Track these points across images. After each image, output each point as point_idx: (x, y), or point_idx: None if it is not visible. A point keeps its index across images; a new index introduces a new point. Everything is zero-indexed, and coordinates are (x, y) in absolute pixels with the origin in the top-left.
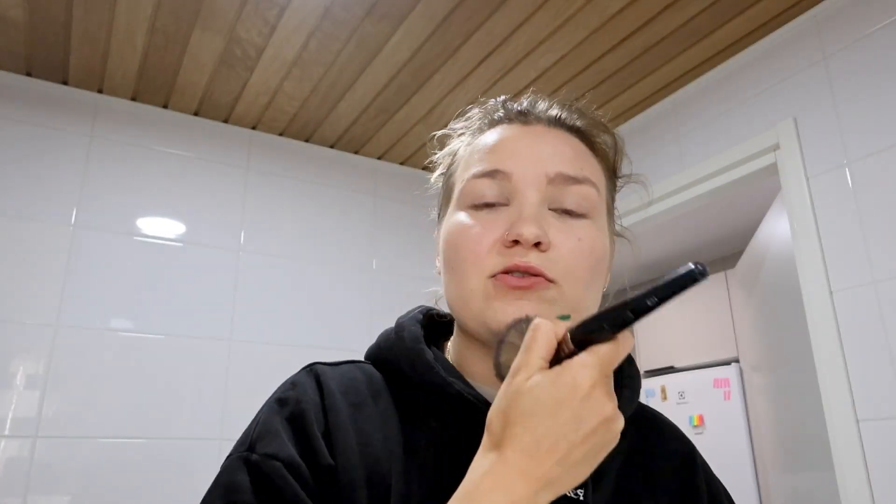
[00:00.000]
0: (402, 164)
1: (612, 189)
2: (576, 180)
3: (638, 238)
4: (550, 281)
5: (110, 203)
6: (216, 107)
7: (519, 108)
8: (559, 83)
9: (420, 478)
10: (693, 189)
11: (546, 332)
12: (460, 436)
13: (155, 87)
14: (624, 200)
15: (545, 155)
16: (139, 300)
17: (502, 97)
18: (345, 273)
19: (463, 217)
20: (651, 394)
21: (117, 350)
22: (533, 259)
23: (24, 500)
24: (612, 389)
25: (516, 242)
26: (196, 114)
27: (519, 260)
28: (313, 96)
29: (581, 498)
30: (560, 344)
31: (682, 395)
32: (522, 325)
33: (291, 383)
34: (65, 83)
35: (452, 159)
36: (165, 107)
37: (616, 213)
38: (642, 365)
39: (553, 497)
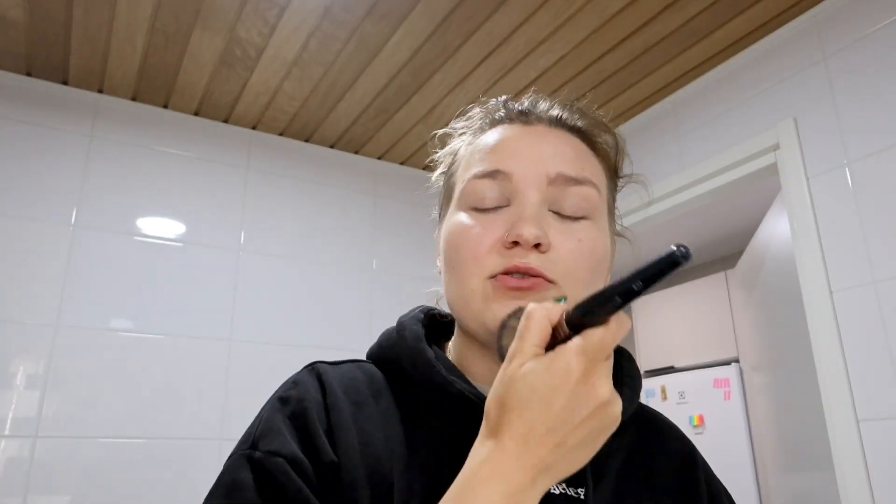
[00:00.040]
0: (402, 164)
1: (614, 189)
2: (577, 181)
3: (638, 238)
4: (550, 282)
5: (110, 203)
6: (216, 107)
7: (520, 108)
8: (559, 83)
9: (422, 476)
10: (693, 189)
11: (539, 319)
12: (461, 434)
13: (155, 87)
14: (624, 200)
15: (546, 155)
16: (139, 300)
17: (503, 97)
18: (345, 273)
19: (463, 217)
20: (651, 394)
21: (117, 350)
22: (532, 260)
23: (24, 500)
24: (609, 373)
25: (516, 243)
26: (196, 114)
27: (518, 261)
28: (313, 96)
29: (582, 497)
30: (556, 328)
31: (682, 395)
32: (522, 311)
33: (293, 382)
34: (65, 83)
35: (453, 159)
36: (165, 107)
37: (617, 212)
38: (642, 365)
39: (552, 482)
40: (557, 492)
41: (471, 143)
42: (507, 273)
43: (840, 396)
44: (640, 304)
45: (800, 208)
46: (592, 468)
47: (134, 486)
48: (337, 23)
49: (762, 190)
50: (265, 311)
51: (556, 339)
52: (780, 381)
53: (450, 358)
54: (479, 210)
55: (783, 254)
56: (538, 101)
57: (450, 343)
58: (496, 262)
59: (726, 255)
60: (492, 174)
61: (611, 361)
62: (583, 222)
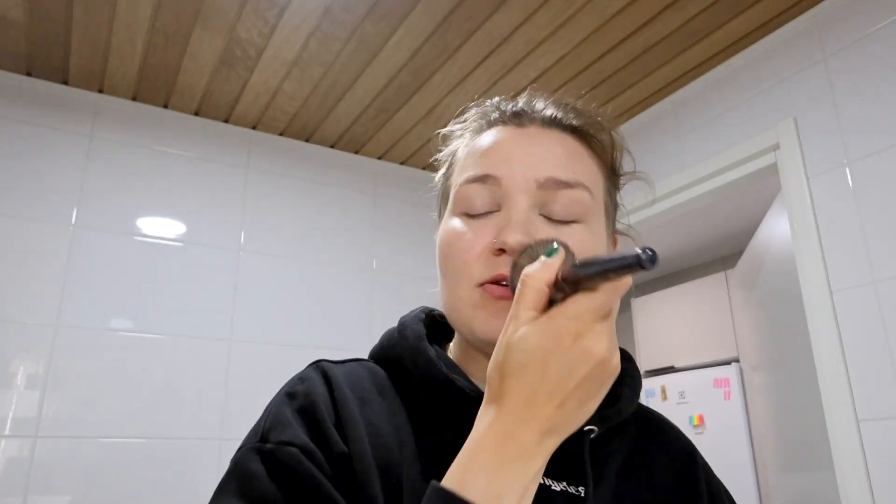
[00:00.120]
0: (402, 164)
1: (613, 188)
2: (567, 185)
3: (640, 237)
4: None
5: (110, 203)
6: (216, 107)
7: (514, 110)
8: (559, 83)
9: (430, 468)
10: (693, 189)
11: (534, 283)
12: (464, 430)
13: (155, 87)
14: (628, 198)
15: (536, 159)
16: (139, 300)
17: (497, 98)
18: (345, 273)
19: (455, 223)
20: (651, 394)
21: (117, 350)
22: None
23: (24, 500)
24: (608, 331)
25: (503, 250)
26: (196, 114)
27: (504, 270)
28: (313, 96)
29: (582, 495)
30: (554, 287)
31: (682, 395)
32: (533, 249)
33: (299, 378)
34: (65, 83)
35: (451, 160)
36: (165, 107)
37: (622, 209)
38: (642, 365)
39: (559, 440)
40: (558, 489)
41: (468, 145)
42: (493, 282)
43: (840, 396)
44: (641, 305)
45: (800, 208)
46: (593, 467)
47: (134, 486)
48: (337, 23)
49: (762, 190)
50: (265, 311)
51: (554, 299)
52: (780, 381)
53: (450, 357)
54: (470, 215)
55: (783, 254)
56: (533, 101)
57: (451, 343)
58: (484, 270)
59: (726, 255)
60: (482, 178)
61: (609, 322)
62: (574, 226)
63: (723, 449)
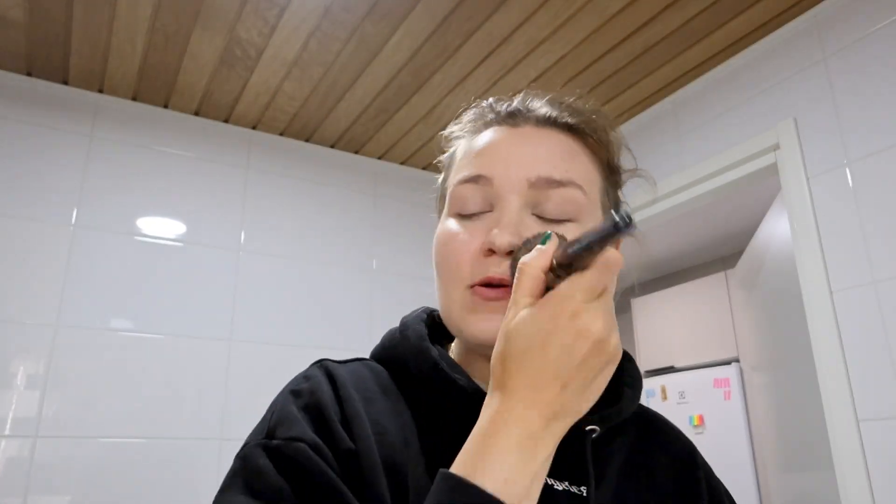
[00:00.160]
0: (402, 164)
1: (612, 186)
2: (559, 183)
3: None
4: None
5: (110, 203)
6: (216, 107)
7: (509, 110)
8: (559, 83)
9: (434, 466)
10: (693, 189)
11: (530, 270)
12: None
13: (155, 87)
14: (629, 197)
15: (528, 158)
16: (139, 300)
17: (492, 98)
18: (345, 273)
19: (450, 224)
20: (651, 394)
21: (117, 350)
22: (507, 269)
23: (24, 500)
24: (605, 310)
25: (493, 251)
26: (196, 114)
27: (493, 271)
28: (313, 96)
29: (584, 494)
30: (550, 273)
31: (682, 395)
32: (531, 242)
33: (304, 377)
34: (65, 83)
35: (450, 162)
36: (165, 107)
37: (626, 208)
38: (642, 365)
39: (567, 425)
40: (560, 488)
41: (464, 146)
42: (483, 284)
43: (840, 396)
44: (641, 304)
45: (800, 208)
46: (594, 467)
47: (134, 486)
48: (337, 23)
49: (762, 190)
50: (265, 311)
51: (552, 284)
52: (780, 381)
53: (452, 357)
54: (463, 216)
55: (783, 254)
56: (528, 101)
57: (453, 344)
58: (475, 271)
59: (726, 255)
60: (474, 179)
61: (605, 301)
62: (567, 225)
63: (723, 449)
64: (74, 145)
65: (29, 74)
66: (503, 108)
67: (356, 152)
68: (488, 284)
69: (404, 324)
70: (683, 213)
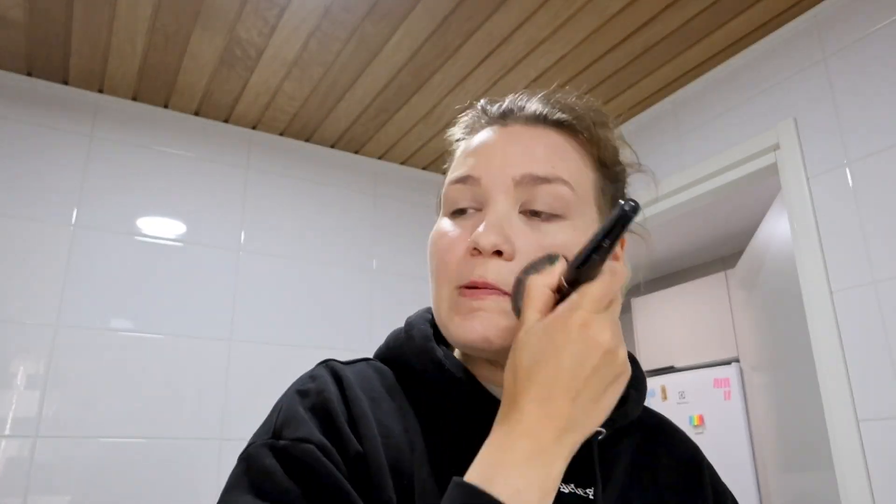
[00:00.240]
0: (402, 164)
1: (607, 181)
2: (545, 180)
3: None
4: (508, 294)
5: (110, 203)
6: (216, 107)
7: (500, 110)
8: (559, 83)
9: (440, 469)
10: (693, 189)
11: (537, 287)
12: (473, 430)
13: (155, 87)
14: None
15: (514, 157)
16: (139, 300)
17: (484, 99)
18: (345, 273)
19: (443, 224)
20: (651, 394)
21: (117, 350)
22: (490, 270)
23: (24, 500)
24: (611, 322)
25: (479, 251)
26: (196, 114)
27: (477, 275)
28: (313, 96)
29: (591, 497)
30: (557, 290)
31: (682, 395)
32: (537, 264)
33: (310, 377)
34: (65, 83)
35: (449, 164)
36: (165, 107)
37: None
38: (642, 365)
39: (580, 439)
40: (566, 491)
41: (461, 148)
42: (466, 287)
43: (840, 396)
44: (641, 305)
45: (800, 208)
46: (600, 469)
47: (134, 486)
48: (337, 23)
49: (762, 190)
50: (265, 311)
51: (559, 301)
52: (780, 381)
53: (457, 358)
54: (455, 216)
55: (783, 254)
56: (519, 100)
57: None
58: (462, 272)
59: (726, 255)
60: (464, 179)
61: (612, 312)
62: (556, 223)
63: (723, 449)
64: (74, 145)
65: (29, 74)
66: (495, 108)
67: (356, 152)
68: (472, 287)
69: (409, 323)
70: (683, 213)
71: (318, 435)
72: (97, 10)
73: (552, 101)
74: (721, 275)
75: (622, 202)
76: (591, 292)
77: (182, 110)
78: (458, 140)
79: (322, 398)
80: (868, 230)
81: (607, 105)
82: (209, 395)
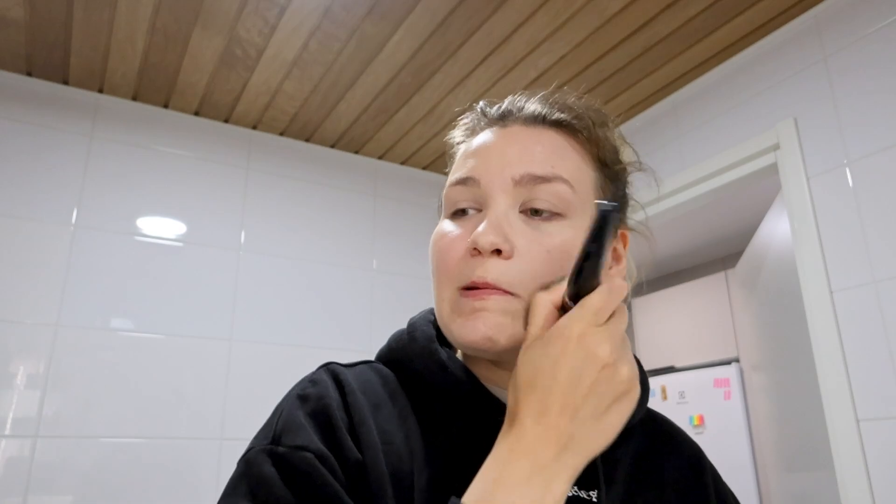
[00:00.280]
0: (402, 164)
1: (608, 180)
2: (544, 179)
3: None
4: (508, 293)
5: (110, 203)
6: (216, 107)
7: (498, 111)
8: (559, 83)
9: (441, 475)
10: (693, 189)
11: (541, 304)
12: (476, 433)
13: (155, 87)
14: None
15: (513, 157)
16: (139, 300)
17: (482, 102)
18: (345, 273)
19: (443, 226)
20: (651, 394)
21: (117, 350)
22: (490, 270)
23: (25, 500)
24: (611, 336)
25: (478, 251)
26: (196, 114)
27: (477, 275)
28: (313, 96)
29: (594, 500)
30: (562, 307)
31: (682, 395)
32: (550, 285)
33: (311, 381)
34: (65, 83)
35: (450, 167)
36: (165, 107)
37: (635, 204)
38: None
39: (582, 459)
40: (570, 494)
41: (461, 150)
42: (467, 288)
43: (840, 396)
44: (641, 304)
45: (800, 208)
46: (603, 471)
47: (134, 486)
48: (337, 23)
49: (762, 190)
50: (265, 311)
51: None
52: (780, 381)
53: (461, 360)
54: (456, 217)
55: (783, 254)
56: (518, 101)
57: None
58: (462, 272)
59: (726, 255)
60: (464, 181)
61: (613, 326)
62: (557, 221)
63: (723, 449)
64: (74, 145)
65: (29, 74)
66: (494, 110)
67: (356, 152)
68: (473, 288)
69: (412, 325)
70: (684, 213)
71: (316, 443)
72: (97, 10)
73: (551, 101)
74: (721, 275)
75: (598, 203)
76: (588, 304)
77: (182, 110)
78: (458, 143)
79: (322, 404)
80: (868, 230)
81: (607, 105)
82: (209, 395)
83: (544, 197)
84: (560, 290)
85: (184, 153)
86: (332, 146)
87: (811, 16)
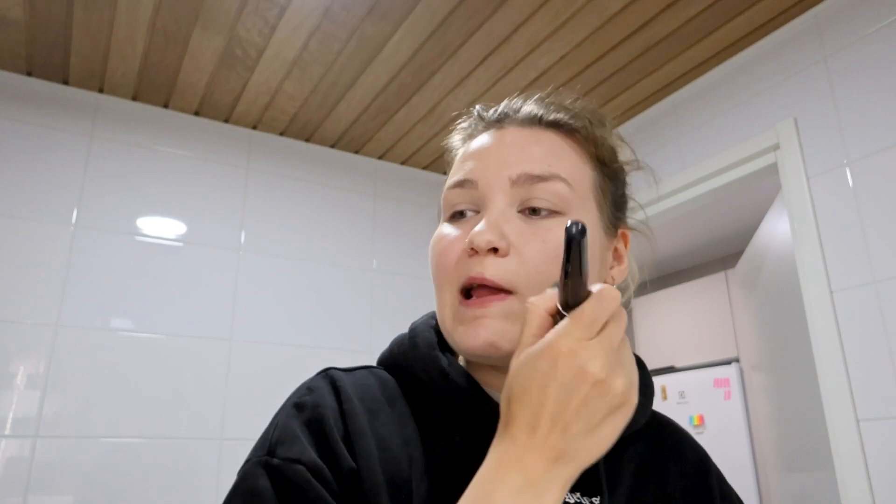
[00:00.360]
0: (402, 164)
1: (607, 179)
2: (541, 178)
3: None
4: (509, 293)
5: (110, 203)
6: (216, 107)
7: (495, 114)
8: (559, 83)
9: (439, 482)
10: (693, 189)
11: (535, 311)
12: (475, 440)
13: (155, 87)
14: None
15: (510, 158)
16: (139, 300)
17: (479, 105)
18: (345, 273)
19: (442, 228)
20: None
21: (117, 350)
22: (489, 268)
23: (25, 500)
24: (604, 349)
25: (476, 250)
26: (196, 114)
27: (475, 271)
28: (313, 96)
29: None
30: (556, 316)
31: (682, 395)
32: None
33: (308, 388)
34: (65, 83)
35: (449, 171)
36: (166, 107)
37: (636, 204)
38: None
39: (574, 472)
40: (573, 500)
41: (459, 153)
42: (466, 288)
43: (840, 396)
44: (641, 304)
45: (800, 208)
46: (606, 477)
47: (134, 486)
48: (337, 23)
49: (762, 190)
50: (265, 311)
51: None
52: (780, 381)
53: (462, 366)
54: (454, 220)
55: (783, 254)
56: (514, 103)
57: None
58: (461, 271)
59: (726, 255)
60: (461, 183)
61: (606, 338)
62: (553, 220)
63: (723, 449)
64: (74, 145)
65: (29, 74)
66: (490, 113)
67: (356, 152)
68: (470, 286)
69: (413, 330)
70: (684, 213)
71: (309, 454)
72: (97, 10)
73: (547, 102)
74: (721, 275)
75: (567, 224)
76: (579, 317)
77: (182, 110)
78: (456, 147)
79: (318, 412)
80: (868, 230)
81: (607, 105)
82: (209, 395)
83: (542, 196)
84: (552, 298)
85: (184, 153)
86: (332, 146)
87: (811, 16)
